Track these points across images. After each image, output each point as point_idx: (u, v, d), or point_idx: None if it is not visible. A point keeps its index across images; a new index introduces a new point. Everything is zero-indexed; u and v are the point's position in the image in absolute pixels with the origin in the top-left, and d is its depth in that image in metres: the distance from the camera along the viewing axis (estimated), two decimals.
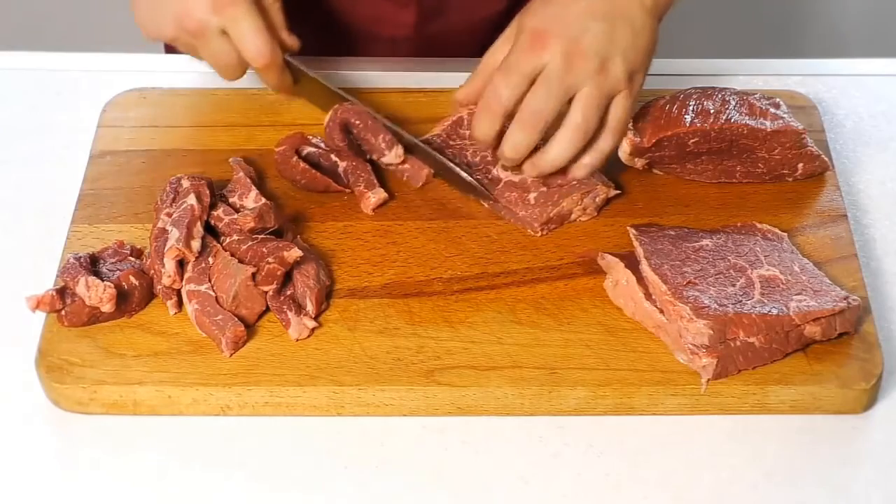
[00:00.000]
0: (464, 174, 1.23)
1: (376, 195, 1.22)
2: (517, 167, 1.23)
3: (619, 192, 1.24)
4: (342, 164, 1.24)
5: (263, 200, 1.19)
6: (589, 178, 1.22)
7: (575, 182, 1.22)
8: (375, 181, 1.23)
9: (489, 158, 1.25)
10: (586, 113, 1.18)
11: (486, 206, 1.23)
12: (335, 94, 1.28)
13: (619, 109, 1.20)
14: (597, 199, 1.23)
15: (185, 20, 1.22)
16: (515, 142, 1.19)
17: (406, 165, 1.25)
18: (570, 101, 1.18)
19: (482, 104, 1.20)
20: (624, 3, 1.19)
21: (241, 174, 1.22)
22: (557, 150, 1.19)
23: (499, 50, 1.23)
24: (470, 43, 1.49)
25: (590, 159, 1.21)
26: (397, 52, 1.47)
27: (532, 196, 1.22)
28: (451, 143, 1.27)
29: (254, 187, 1.21)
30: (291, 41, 1.29)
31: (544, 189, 1.22)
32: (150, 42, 1.28)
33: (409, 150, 1.26)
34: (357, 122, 1.25)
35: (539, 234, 1.22)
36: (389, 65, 1.41)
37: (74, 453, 1.09)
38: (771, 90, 1.33)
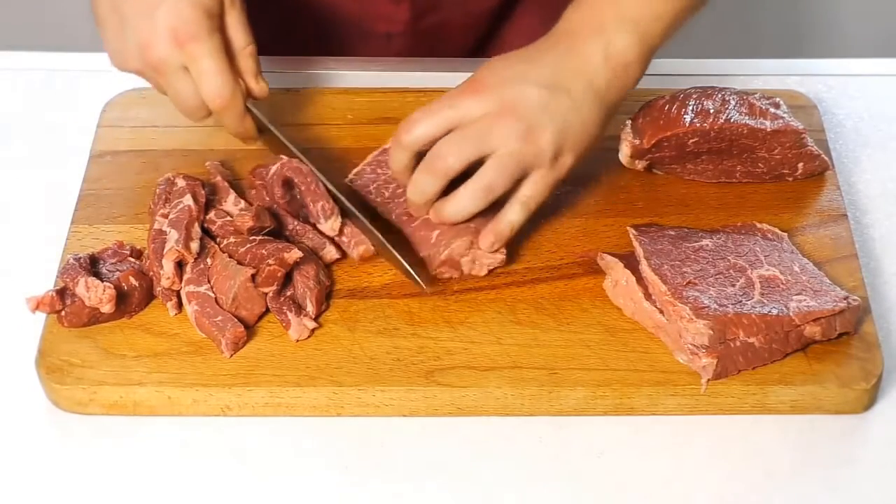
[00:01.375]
0: (401, 259, 1.15)
1: (329, 253, 1.18)
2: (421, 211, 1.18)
3: (503, 257, 1.18)
4: (288, 226, 1.19)
5: (243, 203, 1.19)
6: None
7: (471, 225, 1.16)
8: (324, 240, 1.18)
9: None
10: (496, 175, 1.12)
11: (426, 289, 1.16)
12: (294, 156, 1.22)
13: (533, 184, 1.14)
14: (485, 260, 1.17)
15: (147, 54, 1.17)
16: (417, 183, 1.15)
17: (343, 238, 1.18)
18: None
19: (396, 135, 1.16)
20: (570, 79, 1.14)
21: (219, 178, 1.22)
22: (457, 205, 1.14)
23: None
24: (464, 38, 1.48)
25: (494, 228, 1.15)
26: (391, 48, 1.47)
27: (434, 234, 1.17)
28: (378, 174, 1.22)
29: (232, 191, 1.20)
30: (259, 89, 1.22)
31: (445, 228, 1.17)
32: (121, 71, 1.22)
33: (350, 219, 1.19)
34: (299, 182, 1.19)
35: (439, 275, 1.17)
36: (388, 64, 1.41)
37: (74, 454, 1.09)
38: (771, 90, 1.32)
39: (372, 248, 1.18)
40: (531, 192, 1.15)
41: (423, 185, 1.15)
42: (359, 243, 1.18)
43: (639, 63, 1.16)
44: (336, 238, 1.18)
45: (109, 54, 1.21)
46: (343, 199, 1.19)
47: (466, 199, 1.14)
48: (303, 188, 1.19)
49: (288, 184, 1.20)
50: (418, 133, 1.15)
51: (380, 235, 1.17)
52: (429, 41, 1.47)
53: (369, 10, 1.46)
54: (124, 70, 1.21)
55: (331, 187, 1.20)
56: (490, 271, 1.18)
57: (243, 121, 1.22)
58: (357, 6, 1.45)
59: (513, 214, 1.15)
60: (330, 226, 1.18)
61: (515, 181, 1.14)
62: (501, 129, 1.12)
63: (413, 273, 1.15)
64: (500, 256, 1.17)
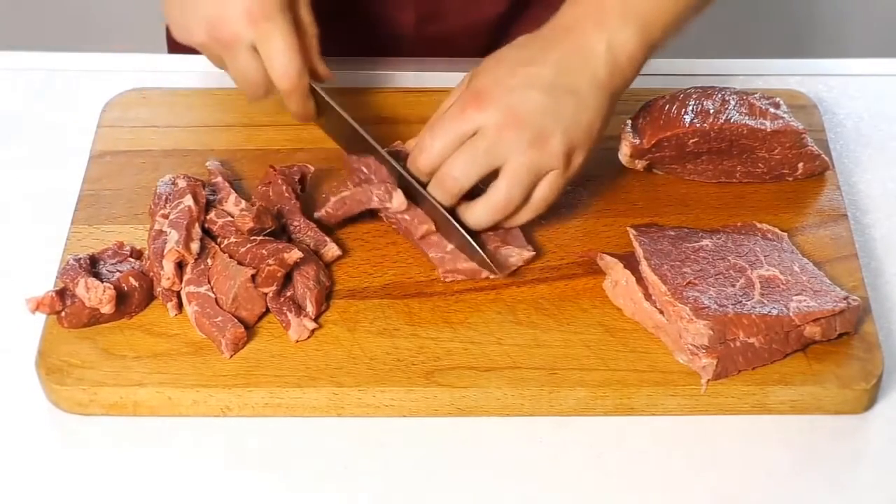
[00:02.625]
0: (470, 240, 1.16)
1: (330, 251, 1.18)
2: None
3: (534, 253, 1.19)
4: (291, 224, 1.20)
5: (243, 203, 1.19)
6: (508, 237, 1.19)
7: (491, 234, 1.18)
8: (325, 237, 1.18)
9: None
10: (511, 190, 1.13)
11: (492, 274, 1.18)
12: (356, 134, 1.22)
13: (546, 188, 1.15)
14: (509, 261, 1.18)
15: (218, 29, 1.17)
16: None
17: (406, 216, 1.18)
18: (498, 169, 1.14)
19: (412, 158, 1.17)
20: (573, 76, 1.13)
21: (219, 178, 1.22)
22: (475, 218, 1.16)
23: (447, 103, 1.19)
24: (470, 44, 1.48)
25: (504, 222, 1.17)
26: (397, 54, 1.47)
27: (451, 247, 1.18)
28: None
29: (233, 191, 1.20)
30: (323, 71, 1.24)
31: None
32: (181, 43, 1.23)
33: (414, 199, 1.19)
34: (367, 173, 1.20)
35: (442, 279, 1.17)
36: (388, 64, 1.41)
37: (74, 454, 1.09)
38: (771, 90, 1.32)
39: (434, 227, 1.18)
40: (543, 195, 1.16)
41: (437, 199, 1.17)
42: (422, 222, 1.18)
43: (641, 55, 1.16)
44: (399, 216, 1.18)
45: (171, 26, 1.21)
46: (411, 178, 1.19)
47: (484, 214, 1.16)
48: (374, 177, 1.20)
49: (294, 185, 1.20)
50: (432, 160, 1.15)
51: (447, 214, 1.17)
52: (435, 47, 1.47)
53: (375, 17, 1.45)
54: (186, 42, 1.21)
55: (398, 167, 1.19)
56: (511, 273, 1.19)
57: (307, 102, 1.22)
58: (361, 12, 1.45)
59: (519, 218, 1.17)
60: (397, 203, 1.17)
61: (532, 187, 1.15)
62: (510, 140, 1.12)
63: (483, 254, 1.15)
64: (528, 254, 1.18)
